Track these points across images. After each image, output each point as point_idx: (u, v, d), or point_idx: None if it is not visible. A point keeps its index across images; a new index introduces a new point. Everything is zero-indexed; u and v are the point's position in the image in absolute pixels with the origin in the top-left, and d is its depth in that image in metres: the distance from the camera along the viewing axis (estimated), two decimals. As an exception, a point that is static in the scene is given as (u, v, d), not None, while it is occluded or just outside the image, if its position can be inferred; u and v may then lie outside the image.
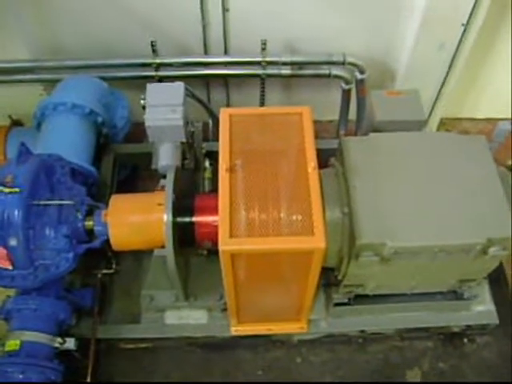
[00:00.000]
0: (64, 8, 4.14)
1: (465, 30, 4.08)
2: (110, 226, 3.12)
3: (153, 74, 4.32)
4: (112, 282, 3.77)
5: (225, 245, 2.69)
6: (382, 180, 3.04)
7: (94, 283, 3.68)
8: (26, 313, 3.23)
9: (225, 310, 3.54)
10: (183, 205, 3.15)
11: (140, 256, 3.75)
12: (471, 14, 3.97)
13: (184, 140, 3.45)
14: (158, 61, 4.25)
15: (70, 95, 3.78)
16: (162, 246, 3.12)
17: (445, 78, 4.45)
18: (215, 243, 3.09)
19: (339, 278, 3.22)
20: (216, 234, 3.01)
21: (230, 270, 2.86)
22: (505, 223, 2.90)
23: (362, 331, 3.63)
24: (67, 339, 3.25)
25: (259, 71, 4.32)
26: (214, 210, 3.06)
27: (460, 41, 4.16)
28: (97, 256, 3.54)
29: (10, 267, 3.06)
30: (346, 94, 4.52)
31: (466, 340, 3.69)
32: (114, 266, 3.72)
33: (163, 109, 3.37)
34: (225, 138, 3.01)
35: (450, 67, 4.36)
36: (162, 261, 3.19)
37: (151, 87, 3.45)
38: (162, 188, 3.30)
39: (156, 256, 3.19)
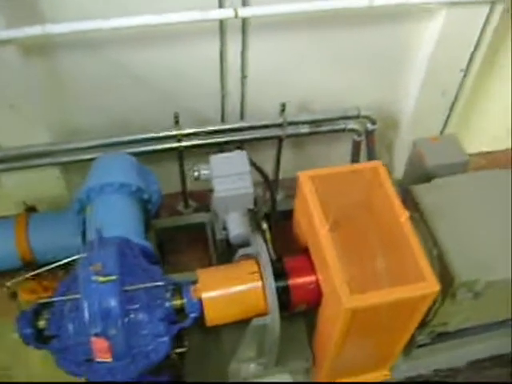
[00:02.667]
0: (82, 87, 4.08)
1: (464, 76, 4.45)
2: (204, 302, 3.06)
3: (175, 145, 4.32)
4: (182, 361, 3.63)
5: (348, 303, 2.73)
6: (461, 219, 3.23)
7: (165, 365, 3.53)
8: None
9: (308, 370, 3.53)
10: (275, 269, 3.16)
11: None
12: (470, 60, 4.35)
13: (252, 207, 3.47)
14: (182, 132, 4.26)
15: (113, 175, 3.69)
16: (257, 315, 3.11)
17: (446, 122, 4.79)
18: (311, 304, 3.15)
19: (427, 319, 3.33)
20: (313, 294, 3.08)
21: (345, 328, 2.90)
22: None
23: (436, 370, 3.73)
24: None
25: (279, 132, 4.44)
26: (309, 271, 3.14)
27: (460, 86, 4.53)
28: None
29: (110, 359, 2.91)
30: (357, 146, 4.75)
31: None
32: (186, 343, 3.60)
33: (231, 178, 3.39)
34: (313, 200, 3.08)
35: (450, 111, 4.71)
36: (258, 330, 3.15)
37: (214, 159, 3.48)
38: (243, 257, 3.30)
39: (253, 326, 3.14)
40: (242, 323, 3.30)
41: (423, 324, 3.41)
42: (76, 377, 3.22)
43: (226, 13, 3.63)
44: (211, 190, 4.10)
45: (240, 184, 3.39)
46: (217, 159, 3.48)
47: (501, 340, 3.80)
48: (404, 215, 3.04)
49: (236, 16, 3.62)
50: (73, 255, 3.52)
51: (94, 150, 4.23)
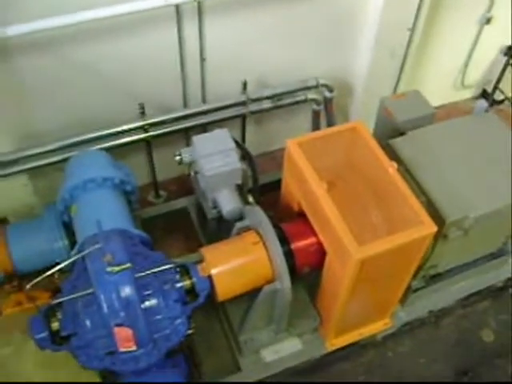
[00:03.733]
0: (40, 88, 3.99)
1: (411, 35, 4.67)
2: (214, 277, 3.12)
3: (143, 136, 4.32)
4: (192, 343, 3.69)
5: (357, 253, 2.86)
6: (441, 165, 3.45)
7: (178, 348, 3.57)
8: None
9: (316, 330, 3.66)
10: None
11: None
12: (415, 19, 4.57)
13: (240, 182, 3.54)
14: (148, 121, 4.25)
15: (93, 170, 3.65)
16: (265, 283, 3.20)
17: (397, 84, 5.01)
18: (315, 266, 3.27)
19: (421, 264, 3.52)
20: (316, 256, 3.20)
21: (353, 281, 3.03)
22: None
23: (431, 311, 3.95)
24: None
25: (243, 110, 4.51)
26: (309, 234, 3.25)
27: (408, 45, 4.74)
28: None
29: (134, 347, 2.93)
30: (317, 115, 4.89)
31: (511, 290, 4.20)
32: (192, 325, 3.64)
33: (217, 156, 3.44)
34: (305, 164, 3.18)
35: (400, 72, 4.93)
36: (269, 297, 3.24)
37: (197, 139, 3.51)
38: (242, 230, 3.37)
39: (264, 293, 3.21)
40: (245, 298, 3.41)
41: (417, 269, 3.60)
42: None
43: (187, -4, 3.66)
44: (188, 174, 4.16)
45: (227, 160, 3.45)
46: (200, 139, 3.52)
47: (486, 274, 4.06)
48: (391, 166, 3.20)
49: (196, -1, 3.65)
50: (54, 260, 3.52)
51: (61, 151, 4.14)
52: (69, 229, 3.66)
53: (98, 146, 4.20)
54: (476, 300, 4.12)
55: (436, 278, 3.81)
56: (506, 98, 5.07)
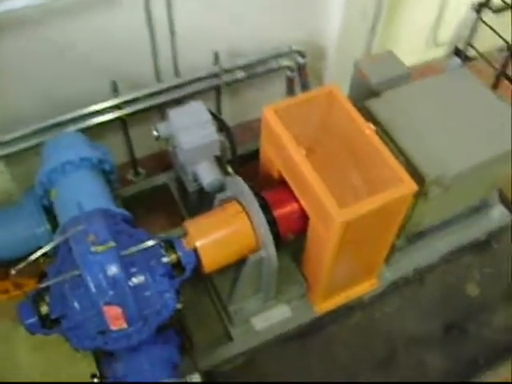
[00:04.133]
0: (11, 71, 3.91)
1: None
2: (199, 249, 3.13)
3: (118, 114, 4.27)
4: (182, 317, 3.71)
5: (339, 216, 2.88)
6: (417, 124, 3.46)
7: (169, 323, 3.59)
8: (145, 368, 3.11)
9: (303, 296, 3.70)
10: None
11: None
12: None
13: (219, 153, 3.52)
14: (122, 99, 4.20)
15: (70, 152, 3.61)
16: (250, 253, 3.22)
17: (369, 46, 4.99)
18: (298, 231, 3.29)
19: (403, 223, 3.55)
20: (299, 221, 3.22)
21: (337, 244, 3.06)
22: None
23: (416, 269, 4.00)
24: (192, 376, 3.19)
25: (217, 82, 4.47)
26: (290, 200, 3.26)
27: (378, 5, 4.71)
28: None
29: (125, 325, 2.94)
30: (291, 82, 4.87)
31: (493, 243, 4.28)
32: (181, 299, 3.66)
33: (194, 129, 3.42)
34: (283, 131, 3.18)
35: (371, 34, 4.91)
36: (255, 265, 3.26)
37: (173, 113, 3.48)
38: (223, 201, 3.37)
39: (251, 261, 3.22)
40: (232, 269, 3.43)
41: (400, 228, 3.64)
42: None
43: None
44: (166, 150, 4.13)
45: (204, 132, 3.44)
46: (175, 113, 3.49)
47: (469, 229, 4.13)
48: (368, 128, 3.20)
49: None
50: (37, 246, 3.49)
51: (36, 135, 4.08)
52: (50, 213, 3.62)
53: (74, 128, 4.15)
54: (460, 255, 4.18)
55: (419, 236, 3.86)
56: (479, 54, 5.08)
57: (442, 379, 3.76)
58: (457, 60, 5.20)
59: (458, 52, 5.66)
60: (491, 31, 4.72)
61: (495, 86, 4.61)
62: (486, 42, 5.24)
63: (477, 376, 3.76)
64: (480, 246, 4.27)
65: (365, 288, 3.84)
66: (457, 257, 4.18)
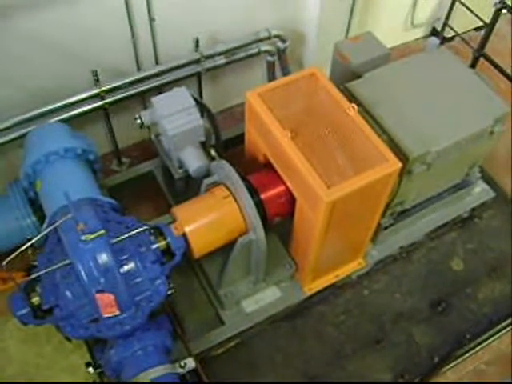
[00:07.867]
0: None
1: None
2: (188, 235, 3.15)
3: (100, 103, 4.25)
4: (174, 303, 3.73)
5: (327, 196, 2.91)
6: (399, 103, 3.51)
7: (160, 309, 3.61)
8: (138, 354, 3.13)
9: (292, 277, 3.75)
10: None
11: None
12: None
13: (204, 139, 3.54)
14: (103, 88, 4.18)
15: (54, 143, 3.59)
16: (239, 236, 3.25)
17: (348, 29, 5.02)
18: (285, 214, 3.32)
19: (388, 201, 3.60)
20: (286, 203, 3.25)
21: (325, 224, 3.10)
22: (500, 105, 3.57)
23: (402, 247, 4.07)
24: (186, 361, 3.21)
25: (197, 68, 4.47)
26: (276, 182, 3.29)
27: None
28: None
29: (118, 312, 2.95)
30: (272, 67, 4.88)
31: (476, 219, 4.36)
32: (171, 285, 3.67)
33: (178, 115, 3.43)
34: (267, 114, 3.21)
35: (350, 15, 4.94)
36: (244, 247, 3.28)
37: (157, 100, 3.48)
38: (210, 186, 3.39)
39: (239, 244, 3.24)
40: (220, 253, 3.45)
41: (385, 207, 3.69)
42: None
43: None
44: (149, 139, 4.14)
45: (189, 118, 3.44)
46: (159, 100, 3.49)
47: (452, 206, 4.19)
48: (351, 109, 3.23)
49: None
50: (24, 239, 3.49)
51: (18, 127, 4.05)
52: (35, 205, 3.61)
53: (56, 119, 4.14)
54: (444, 232, 4.27)
55: (404, 213, 3.92)
56: (457, 34, 5.12)
57: (431, 354, 3.84)
58: (435, 40, 5.23)
59: (435, 33, 5.71)
60: (468, 11, 4.76)
61: (473, 66, 4.67)
62: (463, 22, 5.29)
63: (463, 349, 3.84)
64: (463, 223, 4.35)
65: (353, 267, 3.89)
66: (441, 233, 4.26)
